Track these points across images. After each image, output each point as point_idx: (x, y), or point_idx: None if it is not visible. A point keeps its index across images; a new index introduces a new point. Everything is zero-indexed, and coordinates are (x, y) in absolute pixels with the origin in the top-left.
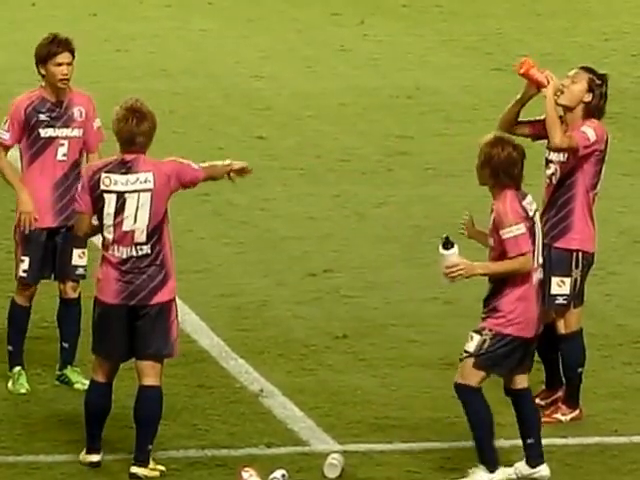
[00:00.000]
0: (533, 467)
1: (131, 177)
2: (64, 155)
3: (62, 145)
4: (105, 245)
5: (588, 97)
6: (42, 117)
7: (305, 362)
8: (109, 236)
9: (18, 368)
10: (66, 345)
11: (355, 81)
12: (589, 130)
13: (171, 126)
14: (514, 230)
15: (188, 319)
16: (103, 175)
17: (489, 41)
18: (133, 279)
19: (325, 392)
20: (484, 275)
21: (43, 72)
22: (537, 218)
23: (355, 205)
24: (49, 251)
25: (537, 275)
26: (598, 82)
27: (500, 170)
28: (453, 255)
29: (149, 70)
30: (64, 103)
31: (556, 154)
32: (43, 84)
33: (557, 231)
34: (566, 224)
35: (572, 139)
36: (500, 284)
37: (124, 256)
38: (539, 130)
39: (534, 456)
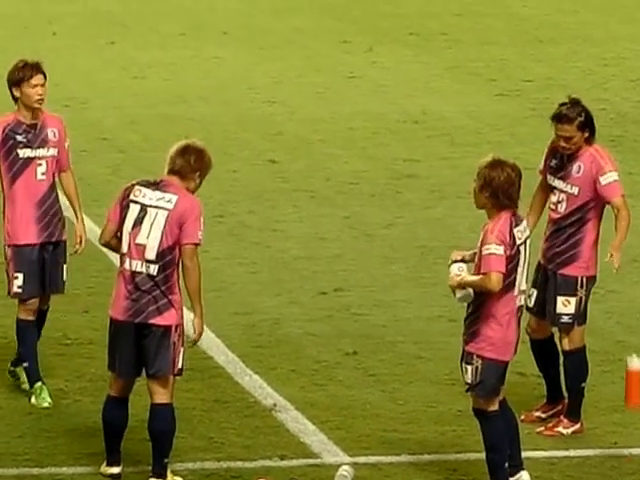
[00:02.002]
0: (513, 475)
1: (158, 194)
2: (43, 174)
3: (40, 165)
4: (121, 259)
5: (586, 134)
6: (19, 138)
7: (316, 377)
8: (125, 246)
9: (39, 384)
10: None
11: (363, 106)
12: (613, 175)
13: None
14: (492, 249)
15: (204, 336)
16: (136, 187)
17: (492, 68)
18: (139, 297)
19: (336, 406)
20: (460, 284)
21: (17, 95)
22: (527, 245)
23: (364, 226)
24: (40, 267)
25: (519, 301)
26: (583, 119)
27: (500, 191)
28: (454, 266)
29: (165, 97)
30: (38, 125)
31: (562, 183)
32: (17, 108)
33: (564, 258)
34: (574, 253)
35: (624, 203)
36: (481, 307)
37: (134, 269)
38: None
39: (513, 465)
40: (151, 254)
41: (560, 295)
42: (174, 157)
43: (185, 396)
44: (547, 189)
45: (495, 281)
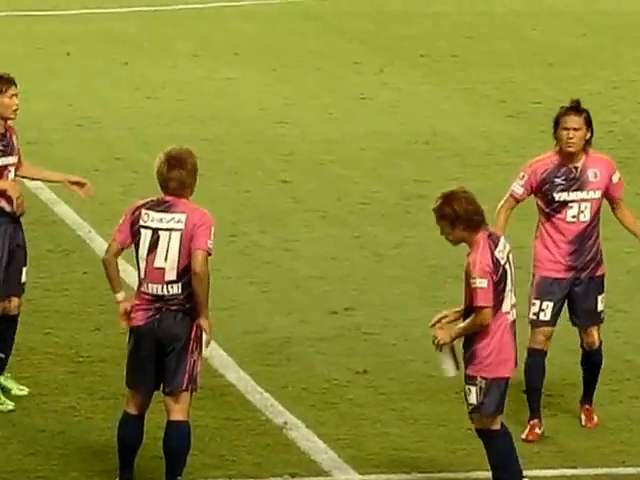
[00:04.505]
0: None
1: (167, 216)
2: (12, 180)
3: (10, 172)
4: (139, 281)
5: (588, 134)
6: None
7: (327, 396)
8: (142, 271)
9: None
10: (2, 355)
11: (374, 127)
12: (618, 172)
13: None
14: (477, 282)
15: (216, 354)
16: (143, 211)
17: (502, 89)
18: (162, 317)
19: (346, 425)
20: (458, 336)
21: None
22: (511, 260)
23: (374, 246)
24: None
25: (511, 316)
26: (588, 116)
27: (470, 215)
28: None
29: (178, 117)
30: (7, 133)
31: (582, 193)
32: None
33: (597, 261)
34: (600, 254)
35: (622, 197)
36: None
37: (154, 292)
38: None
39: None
40: (172, 275)
41: (599, 294)
42: (164, 176)
43: (196, 414)
44: (512, 211)
45: (486, 316)
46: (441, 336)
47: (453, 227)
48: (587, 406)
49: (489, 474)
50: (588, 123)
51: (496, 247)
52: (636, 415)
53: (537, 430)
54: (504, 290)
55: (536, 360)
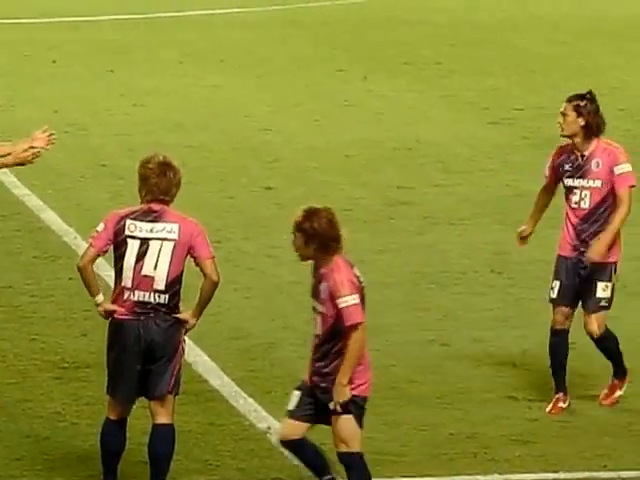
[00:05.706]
0: None
1: (157, 225)
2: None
3: None
4: (121, 291)
5: (582, 121)
6: None
7: None
8: (128, 281)
9: None
10: None
11: (359, 134)
12: (626, 166)
13: (183, 178)
14: (349, 300)
15: (200, 360)
16: (129, 222)
17: (486, 96)
18: (147, 324)
19: (329, 429)
20: (349, 375)
21: None
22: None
23: (358, 252)
24: None
25: None
26: (582, 104)
27: (327, 238)
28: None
29: (163, 124)
30: None
31: (584, 181)
32: None
33: None
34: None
35: (627, 197)
36: (344, 348)
37: (141, 299)
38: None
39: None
40: (160, 285)
41: (600, 281)
42: (156, 182)
43: (180, 419)
44: (550, 192)
45: (364, 331)
46: (342, 396)
47: (306, 244)
48: (616, 380)
49: (471, 478)
50: (579, 112)
51: (352, 267)
52: (617, 420)
53: (561, 404)
54: (363, 308)
55: (556, 340)
